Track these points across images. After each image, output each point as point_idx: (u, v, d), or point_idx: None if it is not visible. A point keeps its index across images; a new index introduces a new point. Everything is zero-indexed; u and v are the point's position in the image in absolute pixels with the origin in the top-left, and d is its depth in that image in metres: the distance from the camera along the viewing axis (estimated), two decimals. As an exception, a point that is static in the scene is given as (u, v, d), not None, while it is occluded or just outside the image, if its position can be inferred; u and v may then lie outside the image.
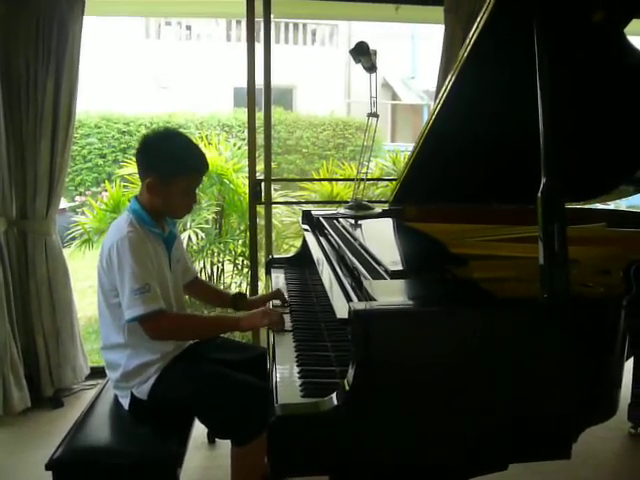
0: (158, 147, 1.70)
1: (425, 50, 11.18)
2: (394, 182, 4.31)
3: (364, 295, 1.21)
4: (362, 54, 1.91)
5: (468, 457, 1.19)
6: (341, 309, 1.25)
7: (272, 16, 3.02)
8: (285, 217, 4.60)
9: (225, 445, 2.28)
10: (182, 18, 9.72)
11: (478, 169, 2.06)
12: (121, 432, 1.62)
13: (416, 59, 11.51)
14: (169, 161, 1.68)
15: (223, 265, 4.56)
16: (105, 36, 8.18)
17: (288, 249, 4.56)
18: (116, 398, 1.75)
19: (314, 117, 9.19)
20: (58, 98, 2.53)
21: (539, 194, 1.23)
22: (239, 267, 4.52)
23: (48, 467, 1.48)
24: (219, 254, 4.49)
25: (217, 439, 2.38)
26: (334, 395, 1.11)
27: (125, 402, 1.71)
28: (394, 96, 12.24)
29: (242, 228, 4.44)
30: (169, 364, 1.70)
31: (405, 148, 5.23)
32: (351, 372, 1.10)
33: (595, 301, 1.26)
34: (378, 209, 2.36)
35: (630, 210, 2.85)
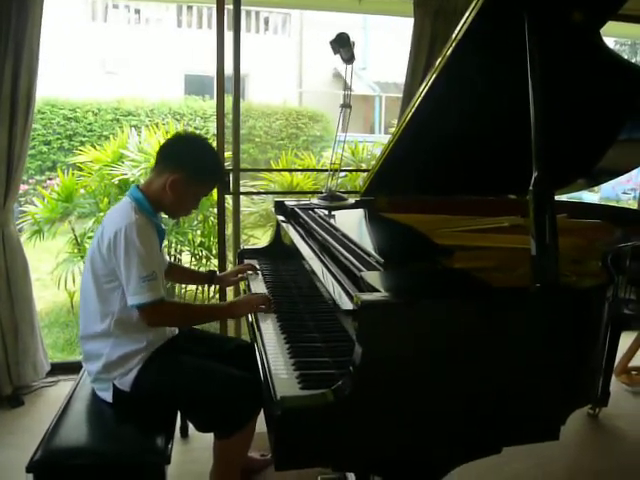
0: (197, 151, 1.75)
1: (376, 41, 11.27)
2: (355, 173, 4.38)
3: (365, 286, 1.22)
4: (342, 45, 1.92)
5: (465, 442, 1.23)
6: (345, 301, 1.25)
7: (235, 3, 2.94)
8: (244, 207, 4.55)
9: (199, 438, 2.27)
10: (131, 1, 9.38)
11: (452, 162, 2.10)
12: (105, 429, 1.56)
13: (367, 50, 11.59)
14: (204, 167, 1.74)
15: (181, 255, 4.48)
16: (48, 18, 7.80)
17: (247, 240, 4.53)
18: (94, 394, 1.70)
19: (266, 106, 9.10)
20: (17, 82, 2.39)
21: (530, 187, 1.27)
22: (197, 257, 4.44)
23: (29, 469, 1.42)
24: (177, 244, 4.40)
25: (189, 433, 2.36)
26: (340, 385, 1.12)
27: (105, 395, 1.66)
28: (345, 86, 12.27)
29: (200, 218, 4.36)
30: (152, 355, 1.68)
31: (364, 139, 5.25)
32: (357, 362, 1.10)
33: (583, 290, 1.31)
34: (351, 200, 2.37)
35: (584, 202, 2.98)
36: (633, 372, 2.93)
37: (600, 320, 1.32)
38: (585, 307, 1.29)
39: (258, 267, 2.19)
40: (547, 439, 1.27)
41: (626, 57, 2.33)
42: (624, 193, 10.02)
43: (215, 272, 2.20)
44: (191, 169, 1.69)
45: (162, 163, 1.73)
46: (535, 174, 1.27)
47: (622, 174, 2.61)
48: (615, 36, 6.93)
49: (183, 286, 4.36)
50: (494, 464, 2.11)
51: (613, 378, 2.61)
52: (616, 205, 5.77)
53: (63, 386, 2.74)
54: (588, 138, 2.12)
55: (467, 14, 1.49)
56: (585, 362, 1.30)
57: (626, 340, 2.76)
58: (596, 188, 9.03)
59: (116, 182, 4.00)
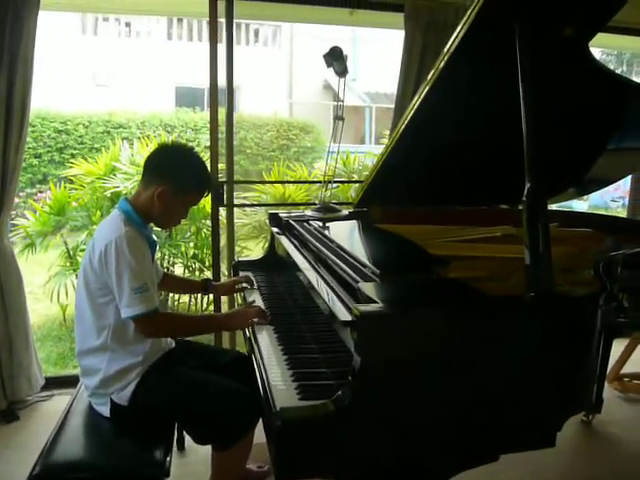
0: (183, 161, 1.74)
1: (366, 52, 11.37)
2: (347, 184, 4.41)
3: (363, 297, 1.24)
4: (336, 59, 1.94)
5: (464, 450, 1.24)
6: (343, 312, 1.27)
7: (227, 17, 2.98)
8: (237, 219, 4.56)
9: (196, 451, 2.26)
10: (121, 14, 9.39)
11: (445, 172, 2.12)
12: (103, 443, 1.56)
13: (357, 61, 11.67)
14: (190, 177, 1.72)
15: (174, 268, 4.48)
16: (39, 31, 7.80)
17: (241, 251, 4.52)
18: (92, 407, 1.69)
19: (257, 118, 9.14)
20: (11, 95, 2.40)
21: (524, 198, 1.30)
22: (190, 269, 4.44)
23: (27, 485, 1.42)
24: (170, 257, 4.40)
25: (186, 445, 2.35)
26: (340, 395, 1.13)
27: (102, 410, 1.66)
28: (335, 98, 12.34)
29: (192, 230, 4.37)
30: (149, 369, 1.67)
31: (355, 150, 5.29)
32: (357, 372, 1.12)
33: (577, 298, 1.33)
34: (345, 211, 2.39)
35: (574, 210, 3.02)
36: (625, 379, 2.96)
37: (594, 327, 1.34)
38: (579, 315, 1.31)
39: (254, 279, 2.21)
40: (544, 446, 1.29)
41: (612, 67, 2.38)
42: (613, 201, 10.14)
43: (210, 280, 2.23)
44: (177, 180, 1.69)
45: (149, 175, 1.72)
46: (528, 185, 1.30)
47: (611, 183, 2.65)
48: (601, 47, 7.05)
49: (176, 298, 4.36)
50: (489, 471, 2.11)
51: (606, 385, 2.63)
52: (605, 213, 5.83)
53: (58, 400, 2.72)
54: (578, 148, 2.16)
55: (460, 27, 1.52)
56: (580, 369, 1.32)
57: (618, 347, 2.79)
58: (585, 196, 9.12)
59: (108, 195, 4.00)
